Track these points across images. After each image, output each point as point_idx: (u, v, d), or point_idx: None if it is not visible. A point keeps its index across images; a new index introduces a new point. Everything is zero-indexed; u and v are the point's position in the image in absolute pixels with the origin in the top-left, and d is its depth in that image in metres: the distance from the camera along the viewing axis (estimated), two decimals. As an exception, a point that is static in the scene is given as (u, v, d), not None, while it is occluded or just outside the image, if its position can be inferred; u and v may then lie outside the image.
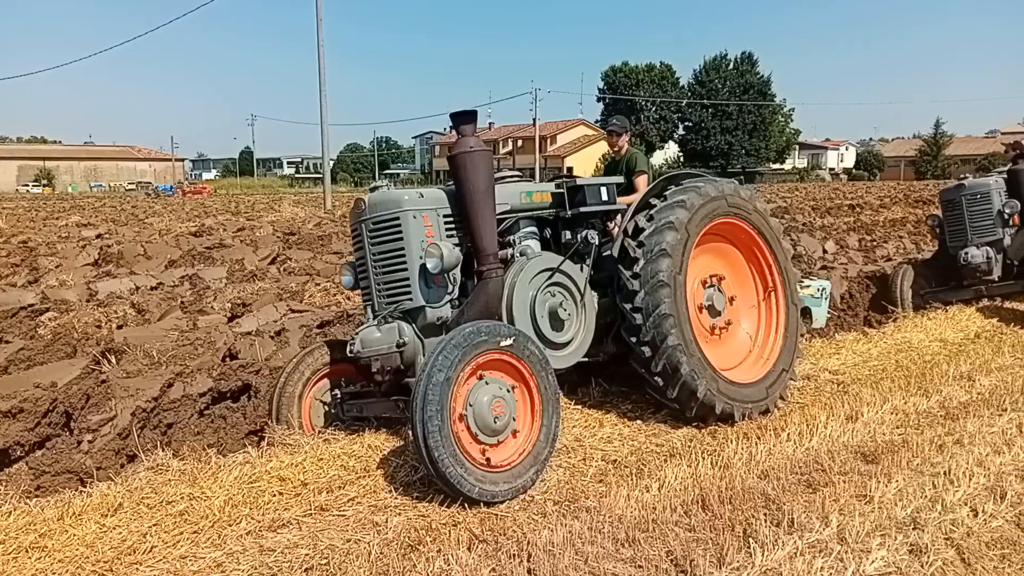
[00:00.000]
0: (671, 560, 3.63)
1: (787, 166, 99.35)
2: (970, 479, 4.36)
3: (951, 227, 10.15)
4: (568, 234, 5.76)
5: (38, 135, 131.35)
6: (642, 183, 6.79)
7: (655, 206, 5.61)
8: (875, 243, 15.92)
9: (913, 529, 3.82)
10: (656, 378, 5.42)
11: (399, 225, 5.03)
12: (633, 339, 5.44)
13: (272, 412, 5.43)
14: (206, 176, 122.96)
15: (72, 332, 7.17)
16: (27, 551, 3.81)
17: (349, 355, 5.21)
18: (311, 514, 4.21)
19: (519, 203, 5.67)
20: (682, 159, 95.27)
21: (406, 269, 5.02)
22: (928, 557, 3.58)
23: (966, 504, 4.09)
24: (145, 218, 29.24)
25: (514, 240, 5.63)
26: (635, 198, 6.04)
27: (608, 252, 5.92)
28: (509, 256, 5.44)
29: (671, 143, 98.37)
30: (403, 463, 4.80)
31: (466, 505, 4.28)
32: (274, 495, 4.41)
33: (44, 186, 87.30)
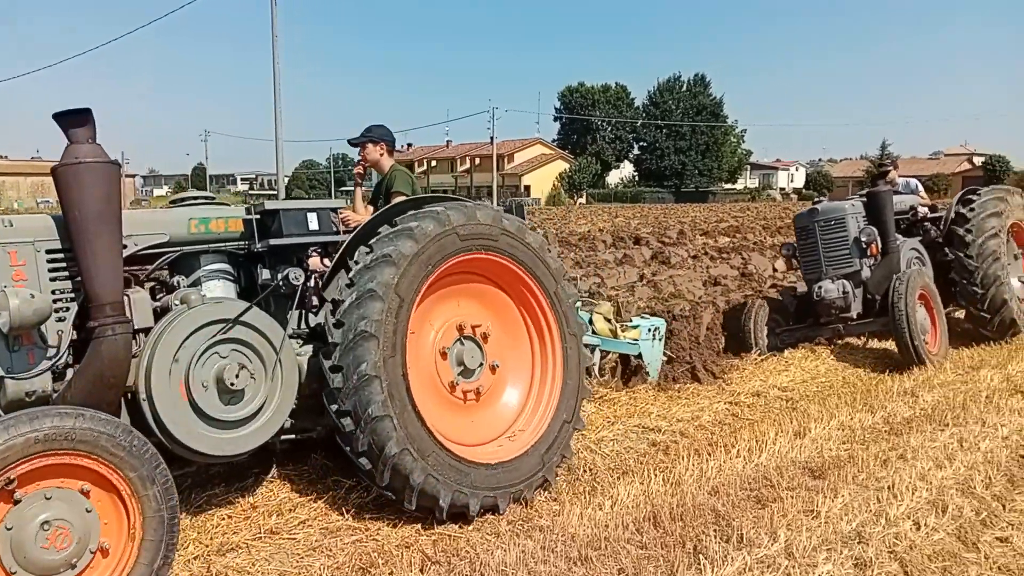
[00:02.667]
0: (623, 578, 3.65)
1: (739, 186, 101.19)
2: (913, 493, 4.47)
3: (805, 257, 8.94)
4: (267, 273, 4.62)
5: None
6: None
7: (379, 236, 4.40)
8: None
9: (858, 543, 3.90)
10: (361, 459, 4.14)
11: None
12: (333, 407, 4.16)
13: None
14: (157, 192, 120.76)
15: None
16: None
17: None
18: (260, 537, 4.14)
19: (187, 234, 4.46)
20: (637, 179, 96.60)
21: None
22: (872, 571, 3.65)
23: (909, 518, 4.18)
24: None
25: (178, 283, 4.41)
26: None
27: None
28: (171, 304, 4.16)
29: (627, 162, 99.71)
30: (354, 484, 4.74)
31: (419, 526, 4.26)
32: (222, 518, 4.33)
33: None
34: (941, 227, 9.40)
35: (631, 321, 7.36)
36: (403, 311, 4.22)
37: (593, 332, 6.85)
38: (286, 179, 37.09)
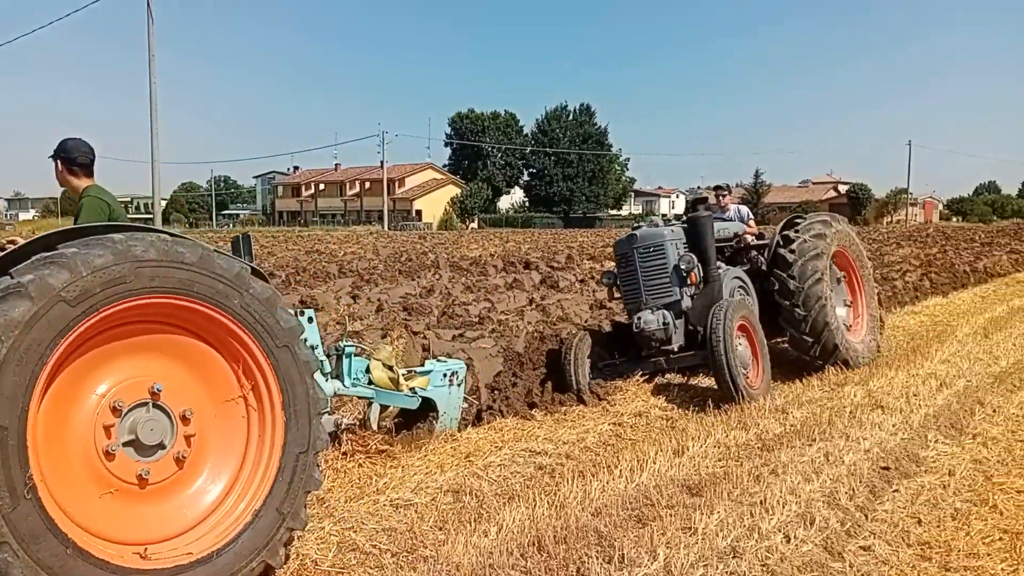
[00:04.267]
0: (506, 605, 3.63)
1: (624, 212, 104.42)
2: (783, 507, 4.66)
3: (625, 286, 8.40)
4: None
5: None
6: None
7: None
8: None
9: (733, 558, 4.03)
10: None
11: None
12: None
13: None
14: (23, 216, 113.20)
15: None
16: None
17: None
18: None
19: None
20: (527, 204, 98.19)
21: None
22: (746, 584, 3.78)
23: (780, 531, 4.35)
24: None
25: None
26: None
27: None
28: None
29: (517, 188, 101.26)
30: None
31: (297, 561, 4.12)
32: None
33: None
34: (767, 255, 9.06)
35: (423, 366, 6.56)
36: (17, 396, 3.13)
37: (369, 383, 5.98)
38: (163, 202, 35.59)
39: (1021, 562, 4.03)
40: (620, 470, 5.42)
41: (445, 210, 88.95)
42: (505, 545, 4.23)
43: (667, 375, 8.56)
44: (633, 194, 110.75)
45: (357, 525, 4.66)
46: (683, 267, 8.04)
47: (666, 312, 7.93)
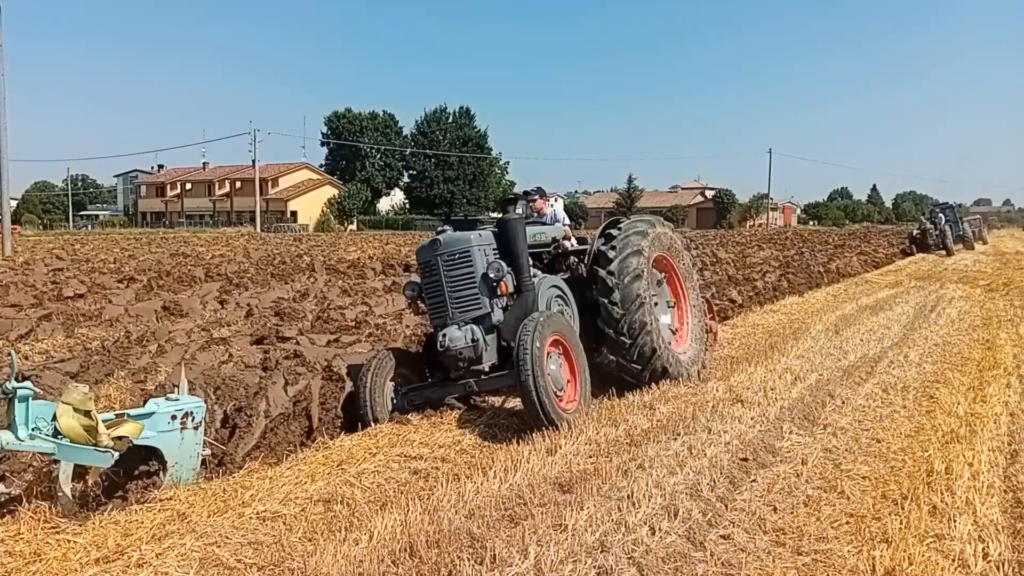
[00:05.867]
0: (376, 613, 3.58)
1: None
2: (649, 500, 4.80)
3: (430, 299, 7.38)
4: None
5: None
6: None
7: None
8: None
9: (601, 552, 4.11)
10: None
11: None
12: None
13: None
14: None
15: None
16: None
17: None
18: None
19: None
20: (408, 206, 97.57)
21: None
22: (613, 577, 3.88)
23: (646, 524, 4.48)
24: None
25: None
26: None
27: None
28: None
29: (397, 190, 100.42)
30: (82, 543, 4.27)
31: (154, 582, 3.91)
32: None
33: None
34: (588, 258, 8.42)
35: (142, 407, 5.41)
36: None
37: (56, 433, 4.74)
38: (14, 203, 33.15)
39: (865, 543, 4.33)
40: (495, 471, 5.44)
41: (322, 211, 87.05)
42: (376, 553, 4.16)
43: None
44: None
45: (221, 540, 4.47)
46: (492, 276, 7.10)
47: (475, 327, 7.06)
